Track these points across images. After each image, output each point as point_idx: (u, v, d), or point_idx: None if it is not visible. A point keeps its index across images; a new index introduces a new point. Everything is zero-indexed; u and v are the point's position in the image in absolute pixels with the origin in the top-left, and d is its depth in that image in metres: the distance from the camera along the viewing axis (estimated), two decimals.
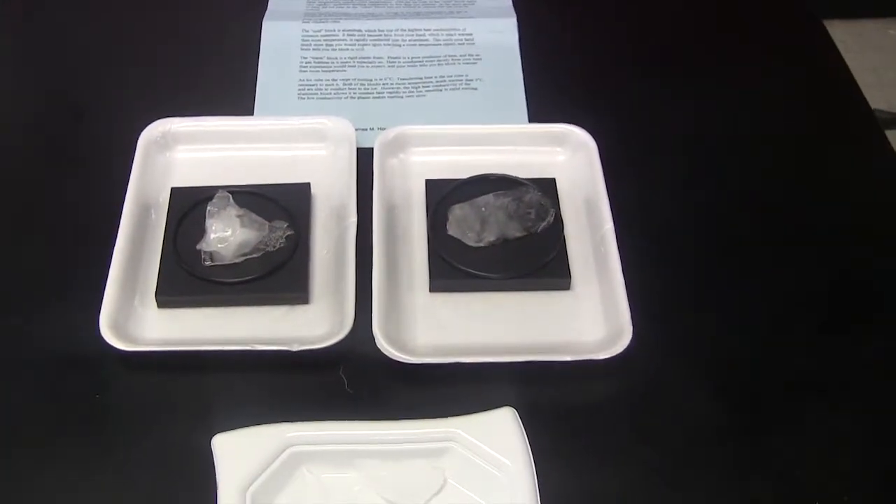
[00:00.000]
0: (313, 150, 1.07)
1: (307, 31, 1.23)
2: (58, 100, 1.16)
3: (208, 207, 0.96)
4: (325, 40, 1.22)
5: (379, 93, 1.16)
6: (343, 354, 0.90)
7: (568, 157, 1.06)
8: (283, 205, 0.99)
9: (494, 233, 0.96)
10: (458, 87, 1.16)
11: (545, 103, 1.14)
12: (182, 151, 1.07)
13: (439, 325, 0.94)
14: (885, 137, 1.13)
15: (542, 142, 1.07)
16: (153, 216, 1.01)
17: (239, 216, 0.96)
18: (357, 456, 0.83)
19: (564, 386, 0.90)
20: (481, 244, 0.96)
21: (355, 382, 0.90)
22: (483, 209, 0.96)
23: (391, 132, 1.06)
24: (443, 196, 1.00)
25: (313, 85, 1.17)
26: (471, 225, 0.96)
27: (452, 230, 0.97)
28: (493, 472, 0.82)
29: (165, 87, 1.16)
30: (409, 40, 1.22)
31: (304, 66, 1.19)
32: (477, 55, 1.20)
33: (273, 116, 1.11)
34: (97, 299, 0.92)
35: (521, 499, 0.80)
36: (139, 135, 1.05)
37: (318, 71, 1.18)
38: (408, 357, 0.89)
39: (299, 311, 0.95)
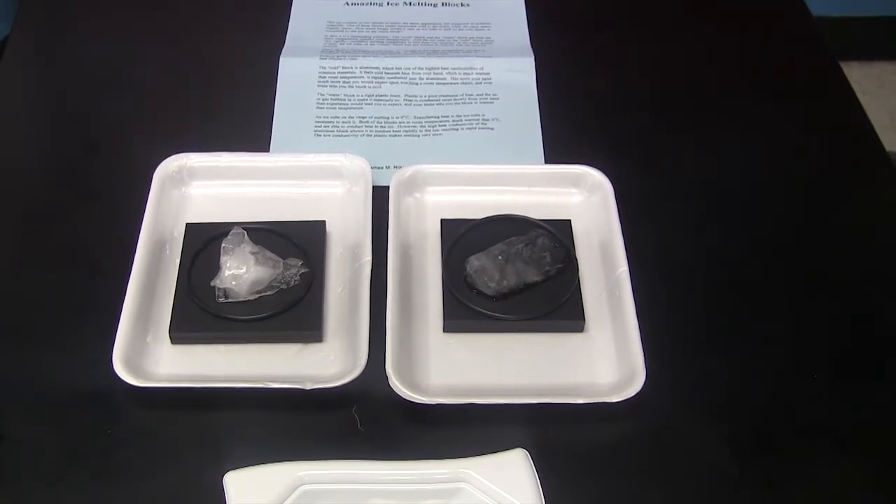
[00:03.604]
0: (329, 187, 1.07)
1: (324, 68, 1.23)
2: (73, 134, 1.16)
3: (223, 244, 0.96)
4: (342, 77, 1.22)
5: (395, 131, 1.16)
6: (356, 393, 0.90)
7: (584, 199, 1.06)
8: (298, 242, 0.99)
9: (513, 280, 0.96)
10: (474, 126, 1.17)
11: (561, 144, 1.14)
12: (197, 187, 1.07)
13: (453, 366, 0.94)
14: None
15: (558, 183, 1.07)
16: (167, 252, 1.01)
17: (253, 253, 0.96)
18: (369, 495, 0.83)
19: (577, 428, 0.90)
20: (503, 291, 0.96)
21: (368, 422, 0.90)
22: (500, 258, 0.96)
23: (407, 171, 1.06)
24: (458, 236, 1.00)
25: (330, 122, 1.17)
26: (490, 275, 0.96)
27: (471, 282, 0.97)
28: None
29: (181, 122, 1.17)
30: (427, 79, 1.22)
31: (321, 103, 1.19)
32: (494, 94, 1.20)
33: (289, 153, 1.10)
34: (110, 334, 0.92)
35: None
36: (154, 170, 1.05)
37: (334, 108, 1.18)
38: (421, 397, 0.89)
39: (313, 349, 0.95)
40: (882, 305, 1.01)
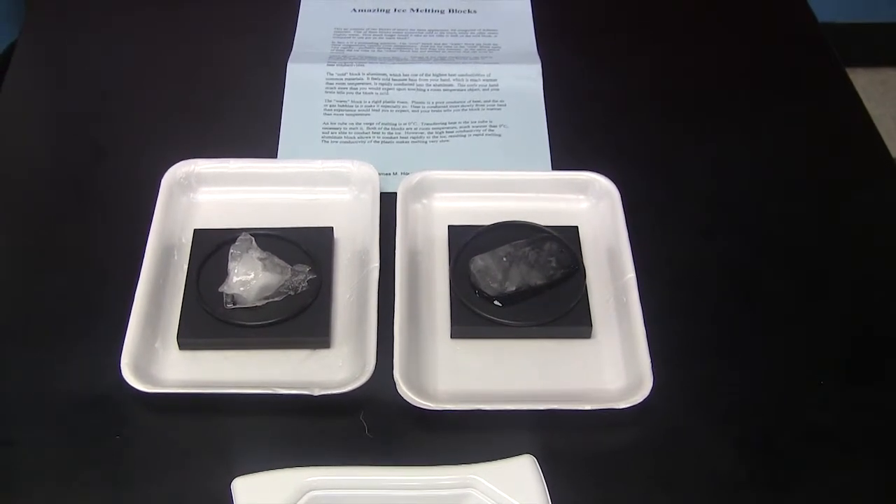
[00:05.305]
0: (336, 193, 1.07)
1: (332, 74, 1.23)
2: (81, 140, 1.16)
3: (231, 250, 0.96)
4: (349, 84, 1.22)
5: (403, 137, 1.16)
6: (364, 399, 0.90)
7: (591, 205, 1.06)
8: (306, 248, 0.99)
9: (516, 283, 0.96)
10: (481, 132, 1.17)
11: (569, 150, 1.14)
12: (205, 193, 1.07)
13: (460, 372, 0.94)
14: None
15: (566, 189, 1.07)
16: (176, 258, 1.01)
17: (261, 259, 0.96)
18: (377, 501, 0.83)
19: (584, 434, 0.90)
20: (504, 294, 0.96)
21: (376, 428, 0.90)
22: (504, 259, 0.96)
23: (415, 177, 1.06)
24: (465, 242, 1.00)
25: (337, 128, 1.17)
26: (493, 276, 0.96)
27: (474, 281, 0.97)
28: None
29: (189, 129, 1.17)
30: (434, 85, 1.22)
31: (329, 110, 1.19)
32: (501, 101, 1.20)
33: (297, 159, 1.10)
34: (119, 340, 0.92)
35: None
36: (162, 176, 1.05)
37: (342, 114, 1.19)
38: (428, 403, 0.89)
39: (321, 355, 0.95)
40: (890, 309, 1.01)
